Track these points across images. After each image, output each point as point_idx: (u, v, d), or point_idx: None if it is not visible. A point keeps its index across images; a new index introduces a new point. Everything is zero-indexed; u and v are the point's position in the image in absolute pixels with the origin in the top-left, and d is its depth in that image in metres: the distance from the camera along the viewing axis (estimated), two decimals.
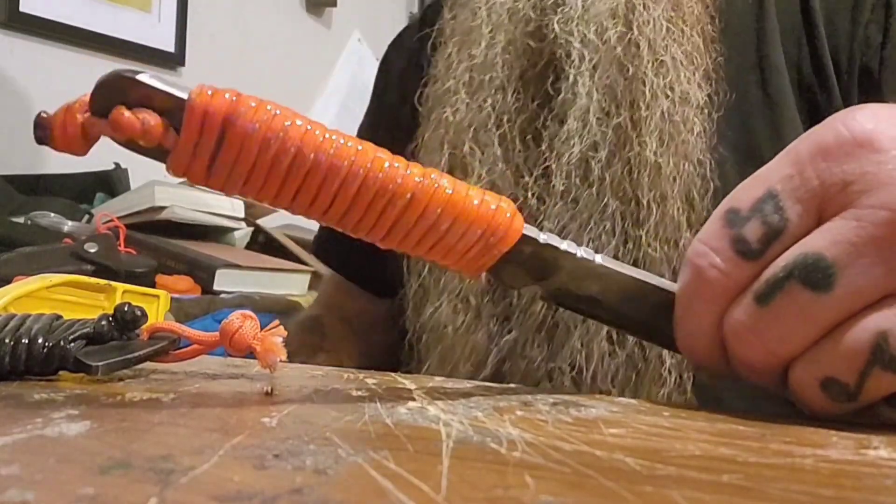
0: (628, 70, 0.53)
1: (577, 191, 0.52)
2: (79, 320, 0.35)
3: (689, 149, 0.53)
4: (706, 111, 0.55)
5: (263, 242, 1.44)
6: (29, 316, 0.34)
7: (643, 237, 0.51)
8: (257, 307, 1.07)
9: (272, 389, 0.32)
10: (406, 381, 0.36)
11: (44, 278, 0.40)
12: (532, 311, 0.52)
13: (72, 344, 0.32)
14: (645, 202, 0.51)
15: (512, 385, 0.38)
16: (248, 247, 1.44)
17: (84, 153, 0.28)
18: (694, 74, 0.55)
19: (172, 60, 1.79)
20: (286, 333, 0.33)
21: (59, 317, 0.34)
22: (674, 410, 0.31)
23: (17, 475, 0.19)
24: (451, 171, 0.56)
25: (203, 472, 0.19)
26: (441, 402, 0.30)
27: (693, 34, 0.56)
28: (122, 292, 0.43)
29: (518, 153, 0.55)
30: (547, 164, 0.53)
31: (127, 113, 0.26)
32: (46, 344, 0.32)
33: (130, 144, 0.27)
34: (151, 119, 0.27)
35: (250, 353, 0.33)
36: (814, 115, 0.57)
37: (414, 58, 0.69)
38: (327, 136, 0.28)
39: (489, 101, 0.56)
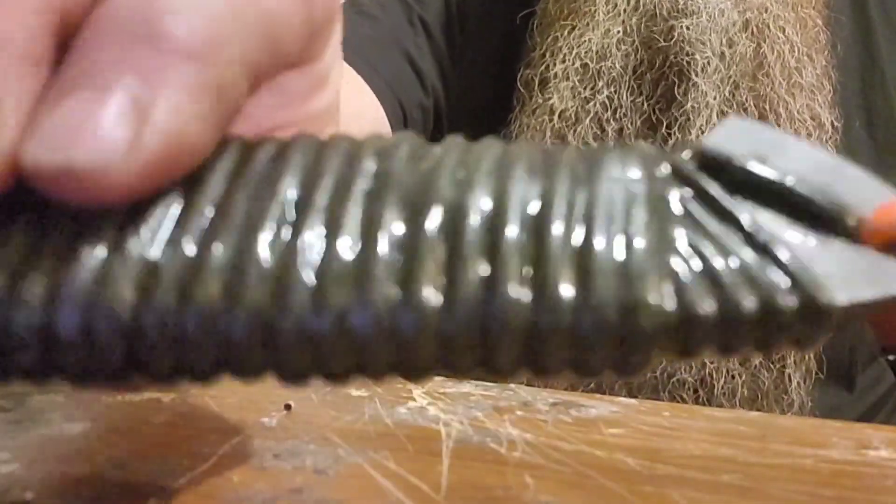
0: (760, 86, 0.53)
1: None
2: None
3: None
4: (835, 137, 0.55)
5: None
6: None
7: None
8: None
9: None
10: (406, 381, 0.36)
11: None
12: None
13: None
14: None
15: (511, 385, 0.38)
16: None
17: None
18: (826, 98, 0.55)
19: None
20: None
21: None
22: (674, 410, 0.31)
23: (17, 475, 0.19)
24: None
25: (203, 473, 0.19)
26: (441, 402, 0.30)
27: (820, 58, 0.56)
28: None
29: None
30: None
31: None
32: None
33: None
34: None
35: None
36: None
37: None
38: None
39: (604, 92, 0.55)
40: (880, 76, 0.61)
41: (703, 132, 0.52)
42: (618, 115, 0.55)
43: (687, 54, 0.53)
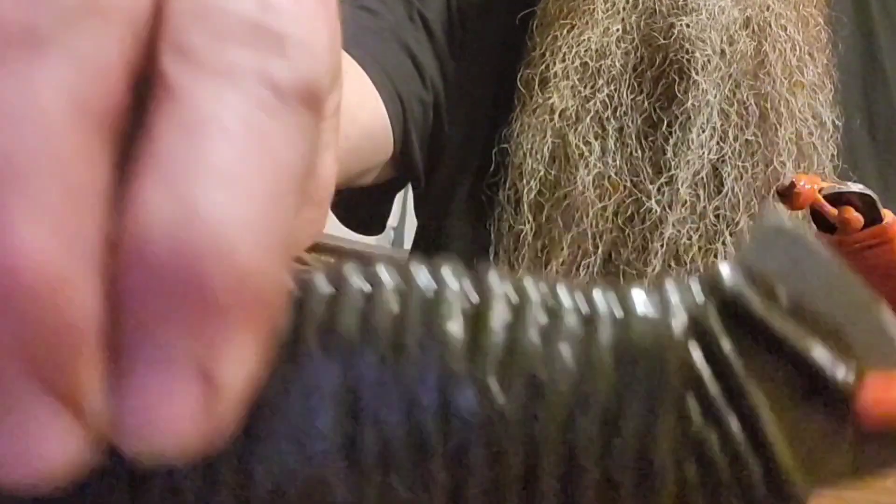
0: (761, 84, 0.53)
1: (704, 203, 0.51)
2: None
3: (826, 172, 0.52)
4: (836, 136, 0.54)
5: None
6: None
7: None
8: None
9: None
10: None
11: None
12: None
13: None
14: None
15: None
16: None
17: None
18: (827, 97, 0.54)
19: None
20: None
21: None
22: None
23: None
24: (553, 160, 0.54)
25: None
26: None
27: (821, 57, 0.55)
28: None
29: (636, 151, 0.53)
30: (672, 171, 0.52)
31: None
32: None
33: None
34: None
35: None
36: None
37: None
38: None
39: (604, 90, 0.54)
40: (881, 75, 0.60)
41: (703, 130, 0.51)
42: (618, 114, 0.54)
43: (687, 52, 0.52)
